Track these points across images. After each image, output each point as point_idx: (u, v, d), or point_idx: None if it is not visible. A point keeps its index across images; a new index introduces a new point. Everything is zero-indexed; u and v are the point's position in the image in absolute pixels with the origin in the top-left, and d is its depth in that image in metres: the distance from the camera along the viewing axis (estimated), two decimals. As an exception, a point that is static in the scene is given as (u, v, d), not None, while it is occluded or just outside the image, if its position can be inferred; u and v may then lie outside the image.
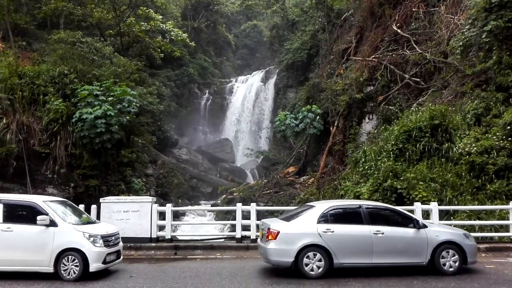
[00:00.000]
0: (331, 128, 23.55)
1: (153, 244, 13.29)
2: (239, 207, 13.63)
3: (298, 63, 35.08)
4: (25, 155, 17.73)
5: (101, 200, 13.94)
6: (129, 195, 17.82)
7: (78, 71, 20.68)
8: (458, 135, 14.97)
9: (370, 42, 23.60)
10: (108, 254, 9.61)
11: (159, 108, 29.12)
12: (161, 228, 13.67)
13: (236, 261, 11.48)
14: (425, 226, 9.55)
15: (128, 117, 19.74)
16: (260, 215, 13.66)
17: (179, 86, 43.47)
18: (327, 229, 9.18)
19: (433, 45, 19.83)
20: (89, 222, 10.39)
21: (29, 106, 18.84)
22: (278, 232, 9.19)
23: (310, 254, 9.06)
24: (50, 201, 10.20)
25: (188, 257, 12.28)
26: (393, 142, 15.70)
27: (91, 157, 18.88)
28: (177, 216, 21.05)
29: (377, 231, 9.24)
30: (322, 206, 9.75)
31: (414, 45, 20.51)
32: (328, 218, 9.38)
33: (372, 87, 22.03)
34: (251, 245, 12.94)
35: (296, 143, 29.30)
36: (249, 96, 44.83)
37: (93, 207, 14.09)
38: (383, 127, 18.25)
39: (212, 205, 28.76)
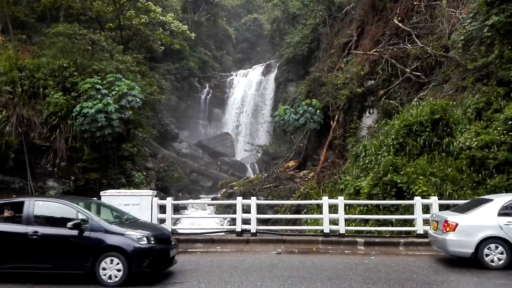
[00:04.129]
0: (331, 122, 23.50)
1: (154, 238, 13.29)
2: (239, 201, 13.64)
3: (298, 57, 34.92)
4: (25, 148, 17.72)
5: (101, 193, 13.90)
6: (129, 189, 17.83)
7: (78, 65, 20.61)
8: (459, 129, 14.94)
9: (371, 36, 23.50)
10: None
11: (160, 99, 28.95)
12: (162, 221, 13.69)
13: (237, 254, 11.52)
14: None
15: (130, 112, 19.69)
16: (260, 209, 13.67)
17: (179, 80, 43.43)
18: (508, 222, 9.33)
19: (434, 39, 19.76)
20: None
21: (29, 99, 18.78)
22: (457, 224, 9.45)
23: (492, 246, 9.24)
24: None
25: (189, 250, 12.30)
26: (393, 137, 15.66)
27: (91, 151, 18.86)
28: (177, 209, 21.08)
29: None
30: (502, 199, 9.85)
31: (415, 39, 20.42)
32: (509, 211, 9.49)
33: (373, 81, 21.97)
34: (251, 238, 12.99)
35: (296, 137, 29.23)
36: (249, 90, 44.73)
37: (94, 201, 14.10)
38: (383, 121, 18.20)
39: (212, 199, 28.83)
